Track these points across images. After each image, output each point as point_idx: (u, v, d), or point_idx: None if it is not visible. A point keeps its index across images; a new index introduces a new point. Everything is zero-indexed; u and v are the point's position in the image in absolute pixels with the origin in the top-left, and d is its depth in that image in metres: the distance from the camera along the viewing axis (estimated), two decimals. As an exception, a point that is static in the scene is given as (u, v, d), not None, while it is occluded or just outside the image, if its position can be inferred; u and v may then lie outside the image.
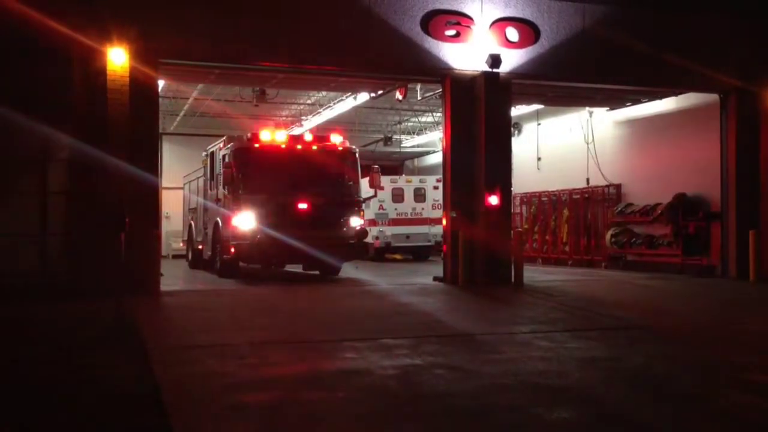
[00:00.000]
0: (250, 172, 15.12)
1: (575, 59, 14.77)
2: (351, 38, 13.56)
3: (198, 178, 19.46)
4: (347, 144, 16.48)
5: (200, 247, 18.49)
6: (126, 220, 11.70)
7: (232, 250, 14.95)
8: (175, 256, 23.30)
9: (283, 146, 15.53)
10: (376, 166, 17.51)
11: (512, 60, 14.25)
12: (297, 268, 17.58)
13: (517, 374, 6.34)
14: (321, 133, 17.80)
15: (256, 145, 15.31)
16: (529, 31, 14.40)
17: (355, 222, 15.70)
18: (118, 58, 11.92)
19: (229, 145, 15.72)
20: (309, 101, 22.13)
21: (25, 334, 8.65)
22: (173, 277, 15.61)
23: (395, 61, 14.08)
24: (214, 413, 5.17)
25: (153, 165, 12.67)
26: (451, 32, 13.97)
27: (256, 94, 19.50)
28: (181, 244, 21.94)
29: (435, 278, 14.73)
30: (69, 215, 12.11)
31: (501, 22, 14.22)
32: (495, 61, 13.89)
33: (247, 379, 6.17)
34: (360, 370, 6.49)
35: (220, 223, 15.93)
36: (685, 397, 5.81)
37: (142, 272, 11.93)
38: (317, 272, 16.70)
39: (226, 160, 15.51)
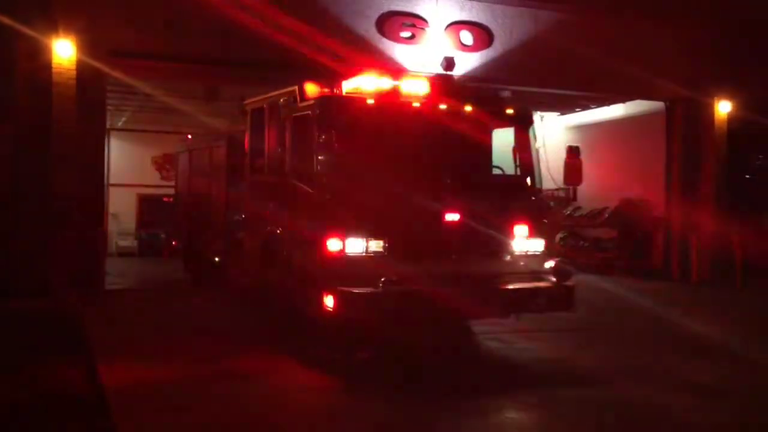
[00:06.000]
0: (354, 149, 8.15)
1: (527, 64, 14.96)
2: (305, 38, 13.44)
3: (212, 147, 12.90)
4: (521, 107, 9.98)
5: (216, 258, 12.10)
6: (70, 217, 11.43)
7: (331, 304, 7.37)
8: (120, 254, 22.81)
9: (417, 104, 8.65)
10: (574, 145, 10.83)
11: (466, 63, 14.37)
12: None
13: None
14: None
15: (369, 101, 8.36)
16: (484, 35, 14.55)
17: (537, 245, 8.70)
18: (64, 51, 11.59)
19: (309, 93, 8.47)
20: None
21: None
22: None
23: (349, 62, 14.03)
24: (158, 414, 5.07)
25: (99, 162, 12.42)
26: (406, 34, 14.01)
27: (208, 92, 19.13)
28: (174, 242, 16.22)
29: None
30: (9, 212, 11.72)
31: (456, 25, 14.34)
32: (449, 63, 13.97)
33: (190, 380, 6.07)
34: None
35: (284, 237, 8.83)
36: (627, 399, 5.92)
37: (87, 270, 11.65)
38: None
39: (305, 122, 8.38)
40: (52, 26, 11.52)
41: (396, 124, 8.33)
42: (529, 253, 8.53)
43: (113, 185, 20.02)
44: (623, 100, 17.74)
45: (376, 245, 7.60)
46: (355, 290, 7.23)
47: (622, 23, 15.75)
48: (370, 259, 7.51)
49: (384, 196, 7.83)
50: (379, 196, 7.82)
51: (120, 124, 23.57)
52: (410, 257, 7.64)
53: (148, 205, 21.83)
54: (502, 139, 9.42)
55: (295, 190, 8.39)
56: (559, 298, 8.24)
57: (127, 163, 21.98)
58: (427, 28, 14.10)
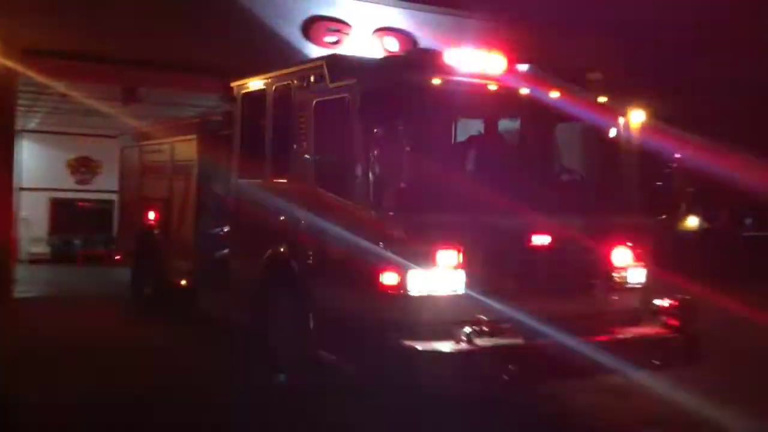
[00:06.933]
0: (411, 146, 5.91)
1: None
2: (229, 39, 13.26)
3: (175, 140, 10.63)
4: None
5: (183, 282, 9.68)
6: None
7: (393, 362, 5.36)
8: (32, 261, 21.93)
9: (494, 87, 6.91)
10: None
11: (391, 69, 14.47)
12: None
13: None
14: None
15: (435, 81, 6.17)
16: (408, 42, 14.71)
17: (638, 275, 6.74)
18: (-29, 48, 11.10)
19: (342, 71, 6.40)
20: (194, 102, 21.38)
21: None
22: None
23: (274, 66, 13.91)
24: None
25: (7, 165, 11.97)
26: (331, 39, 14.02)
27: (126, 94, 18.58)
28: (117, 257, 13.08)
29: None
30: None
31: (380, 31, 14.46)
32: (374, 69, 14.04)
33: (106, 386, 5.91)
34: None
35: (302, 262, 6.60)
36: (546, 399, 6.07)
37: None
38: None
39: (338, 110, 6.16)
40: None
41: (463, 113, 6.69)
42: (640, 288, 6.61)
43: (24, 189, 19.27)
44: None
45: (452, 280, 5.49)
46: (429, 346, 5.14)
47: (542, 34, 16.19)
48: (444, 300, 5.44)
49: (457, 212, 5.62)
50: (451, 212, 5.62)
51: (33, 125, 22.69)
52: (498, 297, 5.55)
53: (61, 210, 21.10)
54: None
55: (326, 200, 6.23)
56: (685, 349, 6.18)
57: (39, 165, 21.22)
58: (352, 34, 14.16)
